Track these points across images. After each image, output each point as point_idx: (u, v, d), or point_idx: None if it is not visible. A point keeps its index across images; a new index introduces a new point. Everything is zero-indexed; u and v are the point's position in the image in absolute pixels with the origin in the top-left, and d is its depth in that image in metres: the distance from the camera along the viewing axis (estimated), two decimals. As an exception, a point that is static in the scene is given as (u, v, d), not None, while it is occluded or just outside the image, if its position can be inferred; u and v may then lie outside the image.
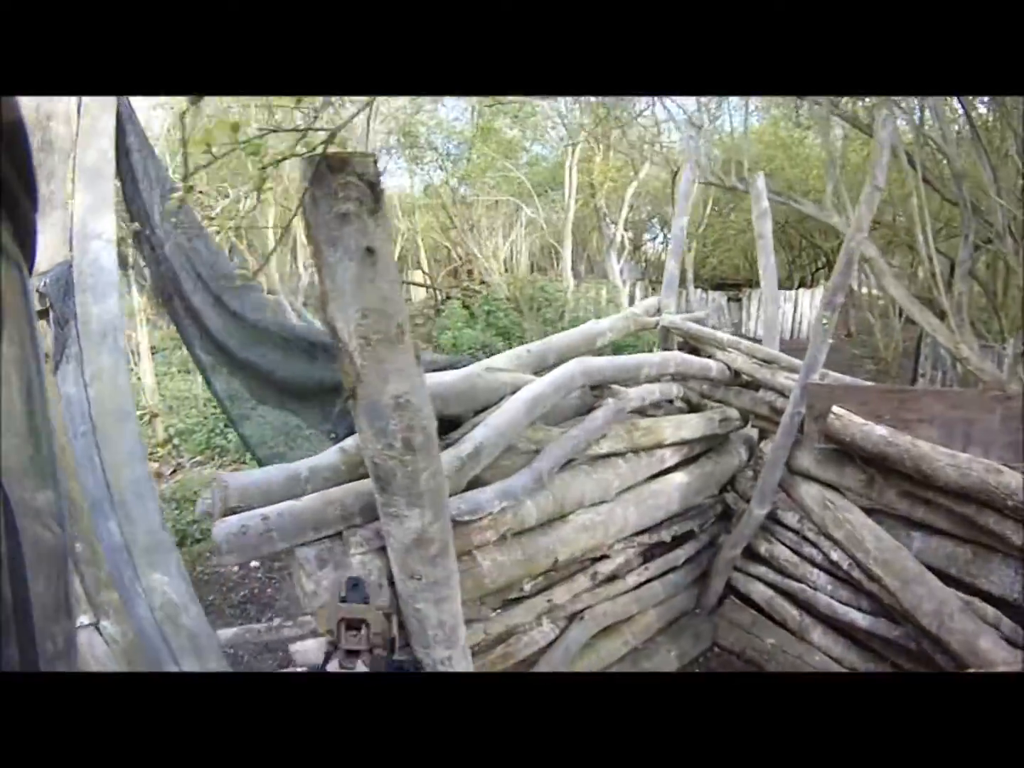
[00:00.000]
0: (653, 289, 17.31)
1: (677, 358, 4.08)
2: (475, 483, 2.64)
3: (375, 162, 1.58)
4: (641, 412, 3.91)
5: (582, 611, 3.46)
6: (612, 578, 3.62)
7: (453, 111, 16.10)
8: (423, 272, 20.53)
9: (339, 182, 1.50)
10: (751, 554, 4.11)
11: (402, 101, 13.60)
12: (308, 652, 2.37)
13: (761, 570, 4.07)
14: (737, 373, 4.22)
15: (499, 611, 3.01)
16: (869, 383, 4.03)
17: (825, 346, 3.49)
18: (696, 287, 17.15)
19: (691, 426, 3.91)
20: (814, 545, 3.73)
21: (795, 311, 17.86)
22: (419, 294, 19.97)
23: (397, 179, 19.58)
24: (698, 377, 4.25)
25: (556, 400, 2.98)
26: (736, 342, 4.18)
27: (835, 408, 3.32)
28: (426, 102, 13.94)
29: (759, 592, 4.06)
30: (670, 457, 3.81)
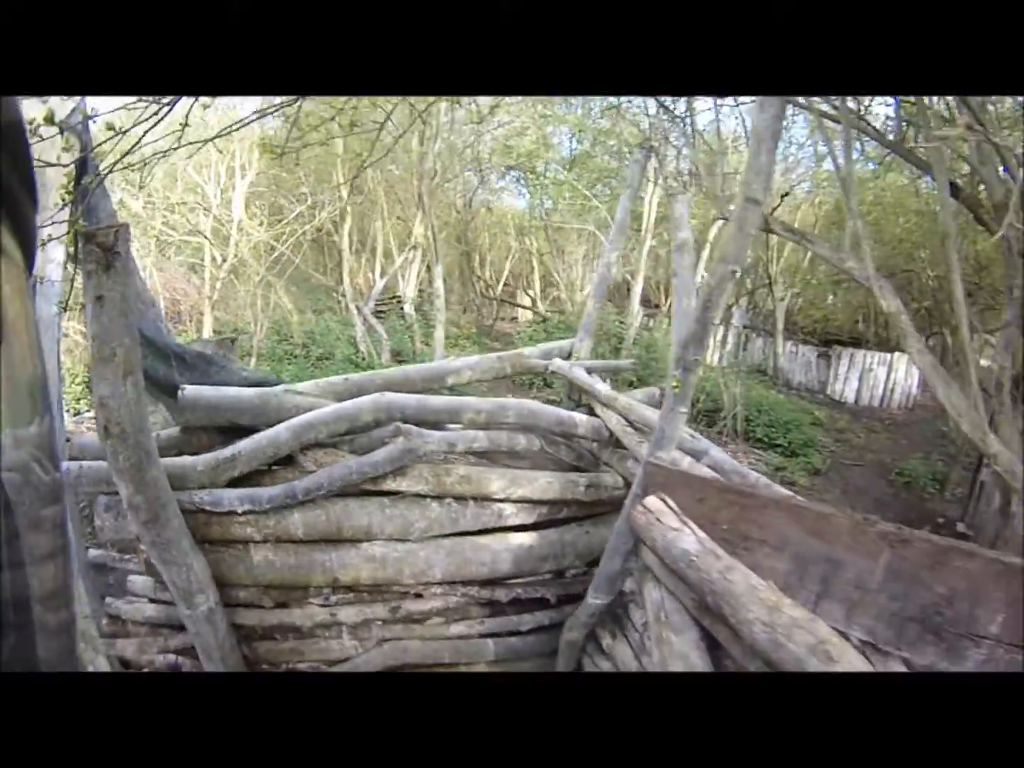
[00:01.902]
0: (758, 336, 17.42)
1: (524, 407, 3.61)
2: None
3: (116, 232, 2.18)
4: (491, 459, 3.69)
5: (388, 640, 3.49)
6: (425, 616, 3.54)
7: (555, 135, 15.84)
8: (528, 294, 21.04)
9: (86, 249, 2.16)
10: (597, 645, 3.53)
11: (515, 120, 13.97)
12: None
13: (605, 664, 3.42)
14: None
15: (277, 606, 3.31)
16: (710, 474, 2.86)
17: (676, 416, 2.81)
18: (787, 340, 16.32)
19: (536, 485, 3.51)
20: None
21: (888, 376, 14.78)
22: (526, 314, 20.45)
23: (515, 198, 20.17)
24: (556, 432, 3.74)
25: (338, 429, 3.13)
26: (613, 398, 3.61)
27: (647, 500, 2.66)
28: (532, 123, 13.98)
29: None
30: (513, 514, 3.53)
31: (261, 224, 13.69)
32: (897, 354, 14.52)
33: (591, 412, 3.81)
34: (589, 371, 4.01)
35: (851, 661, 1.70)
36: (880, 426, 12.63)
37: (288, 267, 14.45)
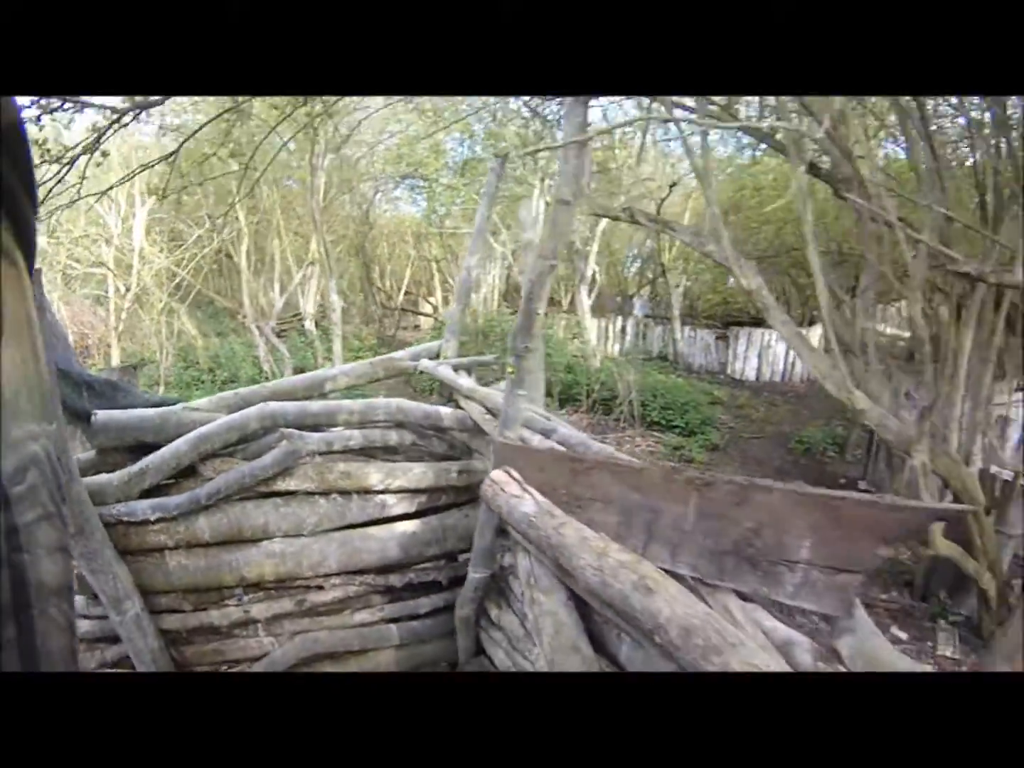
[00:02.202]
0: (657, 324, 17.87)
1: (392, 406, 3.98)
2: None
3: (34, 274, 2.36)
4: (370, 455, 4.02)
5: (299, 632, 3.76)
6: (330, 607, 3.82)
7: (449, 142, 15.79)
8: (429, 301, 21.31)
9: None
10: (488, 618, 3.79)
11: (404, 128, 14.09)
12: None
13: (498, 635, 3.68)
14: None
15: (196, 609, 3.57)
16: (553, 446, 3.20)
17: (516, 398, 3.16)
18: (686, 325, 16.95)
19: (411, 476, 3.85)
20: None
21: (788, 352, 15.33)
22: (430, 322, 20.51)
23: (411, 206, 20.37)
24: (425, 425, 4.06)
25: (230, 438, 3.49)
26: (473, 390, 4.00)
27: (493, 473, 2.93)
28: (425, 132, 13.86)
29: (500, 658, 3.66)
30: (396, 504, 3.85)
31: (162, 251, 13.87)
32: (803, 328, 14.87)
33: (457, 405, 4.17)
34: (456, 368, 4.47)
35: (668, 590, 1.98)
36: (781, 400, 13.17)
37: (190, 292, 14.67)
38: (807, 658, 1.97)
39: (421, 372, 4.73)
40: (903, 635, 5.15)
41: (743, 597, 2.26)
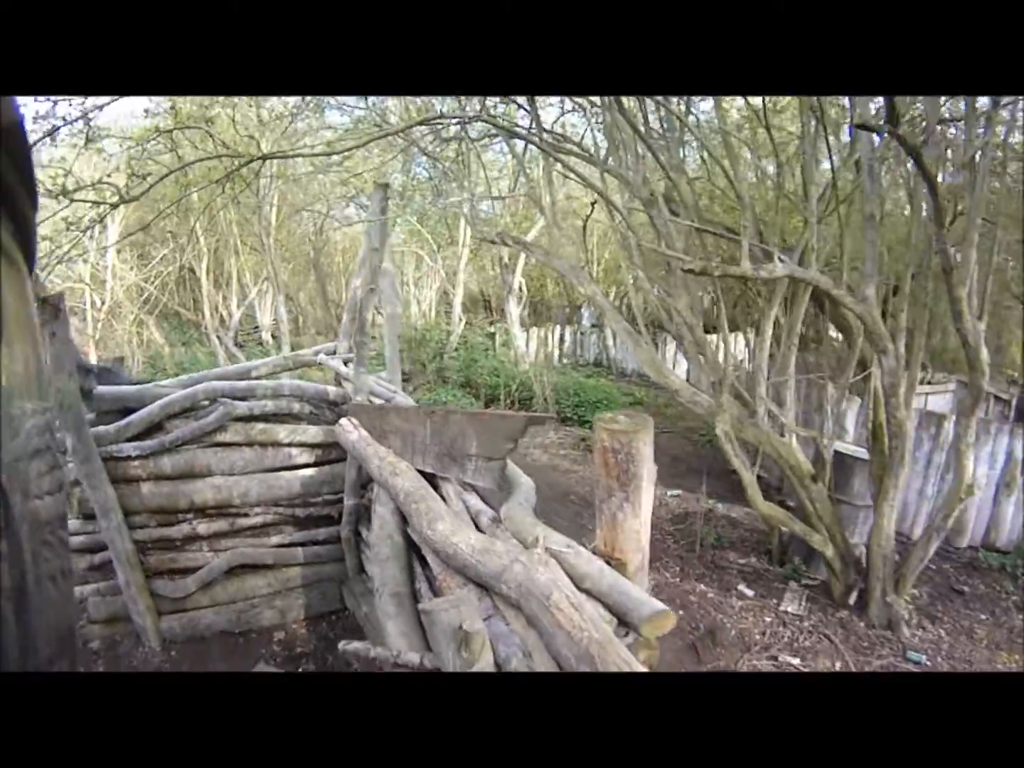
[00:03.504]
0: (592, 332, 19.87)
1: (295, 385, 5.79)
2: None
3: (60, 295, 3.49)
4: (281, 419, 5.64)
5: (230, 548, 5.25)
6: (254, 531, 5.34)
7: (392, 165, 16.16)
8: (381, 313, 21.80)
9: (41, 307, 3.25)
10: (362, 538, 5.19)
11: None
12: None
13: (368, 552, 4.92)
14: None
15: (160, 525, 5.07)
16: (382, 403, 5.17)
17: (360, 375, 5.06)
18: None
19: (309, 433, 5.42)
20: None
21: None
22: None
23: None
24: (317, 399, 5.82)
25: (185, 404, 5.11)
26: (347, 374, 5.69)
27: (341, 421, 4.71)
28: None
29: (374, 572, 4.41)
30: (299, 455, 5.41)
31: (131, 268, 15.62)
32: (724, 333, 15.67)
33: (340, 385, 5.92)
34: (346, 362, 6.03)
35: (407, 474, 3.80)
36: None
37: (158, 305, 16.23)
38: (485, 519, 3.37)
39: (320, 364, 6.43)
40: (749, 592, 5.96)
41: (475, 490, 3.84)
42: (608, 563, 2.70)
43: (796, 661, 4.86)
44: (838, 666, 4.78)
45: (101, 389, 5.00)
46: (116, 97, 5.00)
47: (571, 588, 2.31)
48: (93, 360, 12.27)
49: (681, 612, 5.59)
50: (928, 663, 4.86)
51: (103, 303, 14.04)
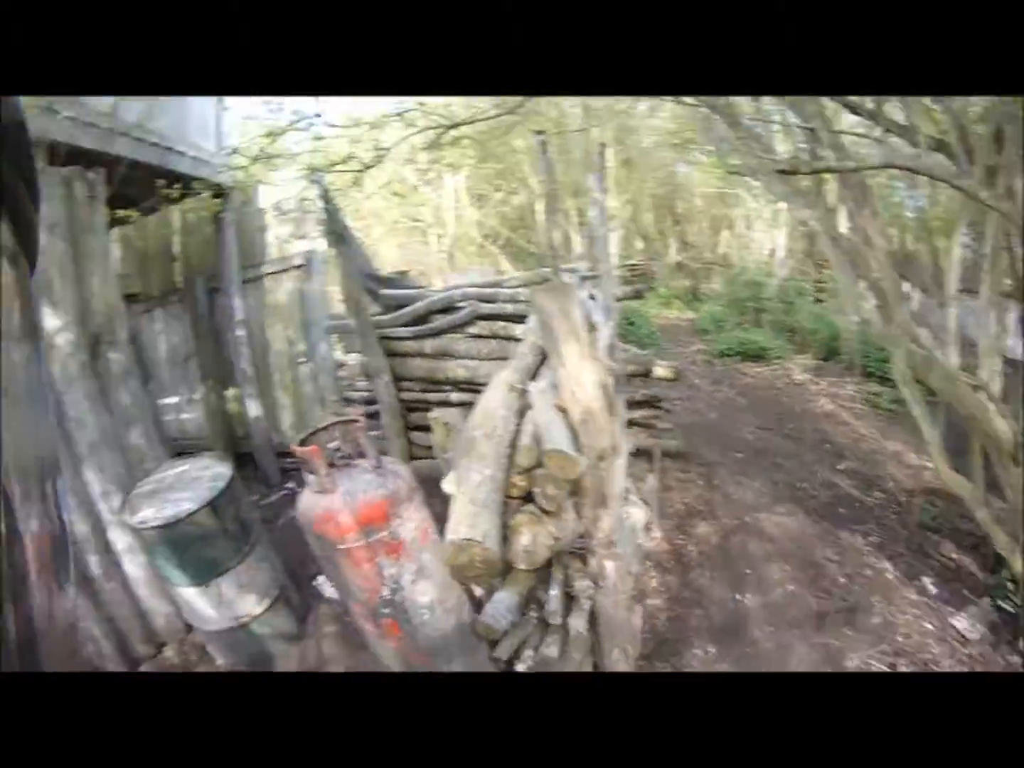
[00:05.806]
0: None
1: (527, 292, 6.16)
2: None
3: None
4: (520, 319, 6.18)
5: None
6: None
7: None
8: None
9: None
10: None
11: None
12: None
13: None
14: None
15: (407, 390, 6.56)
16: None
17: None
18: None
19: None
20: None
21: None
22: None
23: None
24: None
25: (445, 304, 6.25)
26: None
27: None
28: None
29: None
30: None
31: (470, 206, 18.52)
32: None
33: None
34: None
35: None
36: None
37: (498, 239, 19.65)
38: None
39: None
40: (933, 589, 4.90)
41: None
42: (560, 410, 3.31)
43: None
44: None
45: (385, 291, 6.62)
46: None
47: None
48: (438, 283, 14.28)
49: (843, 580, 5.05)
50: None
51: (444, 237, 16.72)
